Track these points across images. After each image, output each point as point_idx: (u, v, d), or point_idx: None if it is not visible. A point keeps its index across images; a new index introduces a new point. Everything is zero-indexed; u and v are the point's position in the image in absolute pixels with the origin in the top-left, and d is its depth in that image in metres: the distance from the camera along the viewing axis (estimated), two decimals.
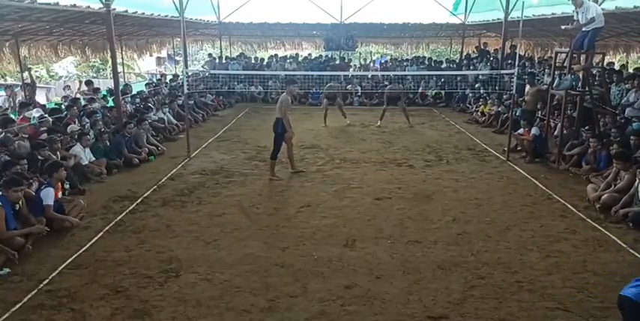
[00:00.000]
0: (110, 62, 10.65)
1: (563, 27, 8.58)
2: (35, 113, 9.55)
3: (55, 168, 6.01)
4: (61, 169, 6.09)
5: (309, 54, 20.72)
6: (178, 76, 17.13)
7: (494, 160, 9.19)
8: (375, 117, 13.85)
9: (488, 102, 13.41)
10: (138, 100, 12.37)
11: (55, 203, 5.73)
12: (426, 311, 4.11)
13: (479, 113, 13.56)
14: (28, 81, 11.85)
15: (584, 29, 8.07)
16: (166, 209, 6.53)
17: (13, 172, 5.68)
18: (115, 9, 9.52)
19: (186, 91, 9.82)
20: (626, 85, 9.42)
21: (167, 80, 17.00)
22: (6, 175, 5.58)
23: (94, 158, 8.15)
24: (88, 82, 13.14)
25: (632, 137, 7.65)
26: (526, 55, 17.28)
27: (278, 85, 17.18)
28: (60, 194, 6.11)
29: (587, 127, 8.55)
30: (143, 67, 29.13)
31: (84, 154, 7.95)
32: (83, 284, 4.51)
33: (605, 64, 10.98)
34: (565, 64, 9.17)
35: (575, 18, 8.19)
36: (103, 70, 26.85)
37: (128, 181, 7.77)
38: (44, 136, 7.82)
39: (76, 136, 8.22)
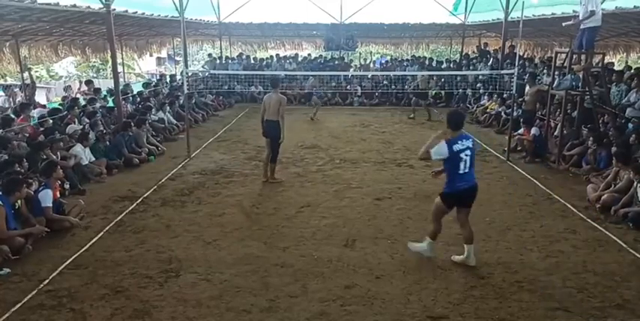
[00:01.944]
0: (110, 62, 10.65)
1: (564, 24, 8.55)
2: (37, 113, 9.58)
3: (52, 168, 6.00)
4: (57, 168, 6.09)
5: (309, 54, 20.73)
6: (175, 75, 17.16)
7: (495, 160, 9.19)
8: (375, 117, 13.89)
9: (493, 99, 13.37)
10: (138, 99, 12.37)
11: (53, 203, 5.73)
12: (426, 311, 4.11)
13: (479, 112, 13.54)
14: (28, 81, 11.86)
15: (581, 27, 8.06)
16: (166, 209, 6.53)
17: (7, 173, 5.65)
18: (114, 9, 9.52)
19: (186, 91, 9.82)
20: (625, 86, 9.45)
21: (167, 80, 17.00)
22: (5, 175, 5.57)
23: (94, 158, 8.15)
24: (89, 82, 13.14)
25: (632, 137, 7.65)
26: (525, 55, 17.27)
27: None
28: (58, 194, 6.11)
29: (589, 126, 8.53)
30: (143, 67, 29.14)
31: (84, 155, 7.94)
32: (83, 284, 4.52)
33: (604, 64, 10.97)
34: (565, 64, 9.17)
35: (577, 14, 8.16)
36: (103, 70, 26.84)
37: (128, 181, 7.77)
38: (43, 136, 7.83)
39: (77, 136, 8.21)
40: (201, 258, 5.07)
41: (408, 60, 19.72)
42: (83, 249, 5.26)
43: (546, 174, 8.20)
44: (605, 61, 11.69)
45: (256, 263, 4.95)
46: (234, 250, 5.27)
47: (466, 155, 4.58)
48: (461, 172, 4.61)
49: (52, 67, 25.83)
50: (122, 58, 17.39)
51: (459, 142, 4.57)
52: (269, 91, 7.84)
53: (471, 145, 4.64)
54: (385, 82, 17.02)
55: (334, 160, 9.15)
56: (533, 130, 9.14)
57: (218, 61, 18.71)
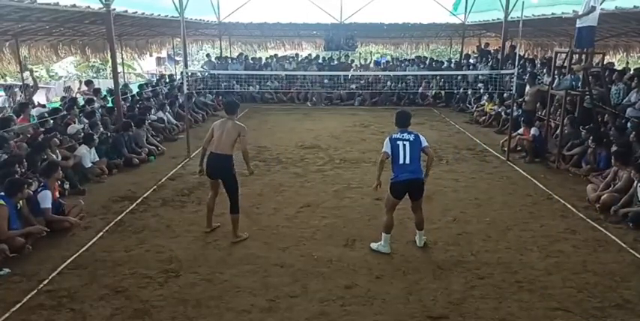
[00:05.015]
0: (110, 62, 10.64)
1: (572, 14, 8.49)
2: (35, 112, 9.59)
3: (53, 169, 6.00)
4: (58, 168, 6.09)
5: (309, 54, 20.73)
6: (173, 75, 17.12)
7: (495, 160, 9.19)
8: (375, 117, 13.86)
9: (492, 100, 13.36)
10: (137, 98, 12.37)
11: (53, 203, 5.73)
12: (426, 311, 4.11)
13: (480, 112, 13.53)
14: (29, 82, 11.85)
15: (577, 25, 8.05)
16: (166, 209, 6.53)
17: (5, 173, 5.63)
18: (114, 9, 9.52)
19: (186, 91, 9.82)
20: (623, 86, 9.47)
21: (166, 79, 16.98)
22: (2, 175, 5.56)
23: (97, 158, 8.16)
24: (88, 82, 13.13)
25: (631, 135, 7.66)
26: (526, 56, 17.27)
27: (277, 85, 17.22)
28: (57, 194, 6.11)
29: (589, 126, 8.54)
30: (144, 67, 29.14)
31: (89, 156, 7.94)
32: (83, 284, 4.52)
33: (604, 64, 10.97)
34: (565, 64, 9.18)
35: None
36: (103, 70, 26.81)
37: (128, 181, 7.77)
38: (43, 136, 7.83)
39: (81, 137, 8.20)
40: (201, 258, 5.07)
41: (408, 60, 19.71)
42: (83, 249, 5.26)
43: (546, 174, 8.20)
44: (605, 61, 11.69)
45: (256, 263, 4.95)
46: (234, 250, 5.28)
47: (403, 144, 5.01)
48: (401, 162, 5.00)
49: (51, 67, 25.79)
50: (122, 58, 17.37)
51: (399, 134, 5.11)
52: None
53: (411, 139, 5.05)
54: (389, 82, 16.95)
55: (334, 160, 9.15)
56: (533, 131, 9.14)
57: (217, 62, 18.69)
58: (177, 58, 24.45)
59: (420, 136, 5.15)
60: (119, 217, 6.18)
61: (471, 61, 18.74)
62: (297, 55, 20.24)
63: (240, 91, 16.95)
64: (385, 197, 5.31)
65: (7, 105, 12.16)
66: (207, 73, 17.15)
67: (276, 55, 20.28)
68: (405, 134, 5.08)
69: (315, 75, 16.31)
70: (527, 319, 4.03)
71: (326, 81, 16.75)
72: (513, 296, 4.35)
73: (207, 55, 20.55)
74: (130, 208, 6.52)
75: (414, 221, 5.37)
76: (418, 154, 5.09)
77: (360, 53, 24.65)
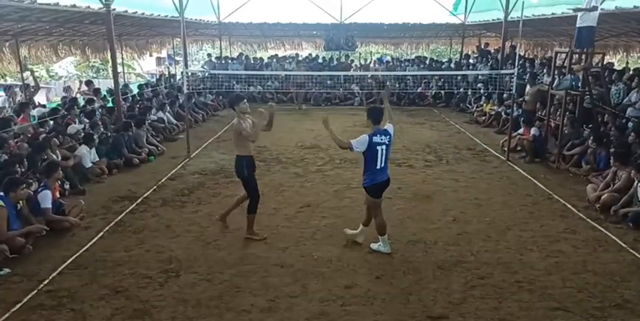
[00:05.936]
0: (110, 62, 10.64)
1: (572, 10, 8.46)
2: (36, 112, 9.60)
3: (53, 169, 6.00)
4: (58, 168, 6.09)
5: (310, 54, 20.75)
6: (174, 75, 17.11)
7: (495, 160, 9.19)
8: None
9: (490, 101, 13.38)
10: (137, 98, 12.37)
11: (53, 203, 5.73)
12: (426, 311, 4.11)
13: (480, 112, 13.54)
14: (29, 82, 11.85)
15: (577, 25, 8.04)
16: (166, 209, 6.53)
17: (6, 172, 5.63)
18: (114, 9, 9.52)
19: (186, 91, 9.82)
20: (623, 85, 9.47)
21: (165, 78, 16.97)
22: (4, 175, 5.56)
23: (97, 158, 8.16)
24: (88, 82, 13.15)
25: (631, 136, 7.66)
26: (526, 56, 17.27)
27: (277, 85, 17.22)
28: (58, 194, 6.11)
29: (590, 125, 8.54)
30: (144, 67, 29.15)
31: (89, 156, 7.94)
32: (83, 284, 4.52)
33: (604, 64, 10.97)
34: (565, 64, 9.18)
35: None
36: (103, 70, 26.81)
37: (128, 181, 7.78)
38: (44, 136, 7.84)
39: (81, 137, 8.20)
40: (201, 258, 5.07)
41: (408, 60, 19.72)
42: (83, 249, 5.26)
43: (546, 174, 8.20)
44: (605, 61, 11.68)
45: (256, 263, 4.95)
46: (234, 250, 5.28)
47: (382, 149, 4.97)
48: (377, 167, 5.00)
49: (51, 67, 25.78)
50: (122, 58, 17.37)
51: (379, 135, 5.00)
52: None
53: (387, 142, 5.01)
54: (388, 82, 16.94)
55: (334, 160, 9.15)
56: (533, 131, 9.14)
57: (217, 62, 18.68)
58: (177, 58, 24.45)
59: (390, 131, 5.10)
60: (119, 217, 6.18)
61: (471, 61, 18.73)
62: (297, 55, 20.25)
63: (241, 92, 16.94)
64: (368, 202, 5.21)
65: (7, 105, 12.17)
66: (207, 74, 17.14)
67: (276, 55, 20.29)
68: (383, 137, 5.00)
69: (315, 75, 16.30)
70: (527, 319, 4.03)
71: (329, 82, 16.76)
72: (513, 296, 4.35)
73: (209, 55, 20.55)
74: (130, 208, 6.52)
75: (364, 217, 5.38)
76: (390, 154, 5.15)
77: (360, 53, 24.65)
